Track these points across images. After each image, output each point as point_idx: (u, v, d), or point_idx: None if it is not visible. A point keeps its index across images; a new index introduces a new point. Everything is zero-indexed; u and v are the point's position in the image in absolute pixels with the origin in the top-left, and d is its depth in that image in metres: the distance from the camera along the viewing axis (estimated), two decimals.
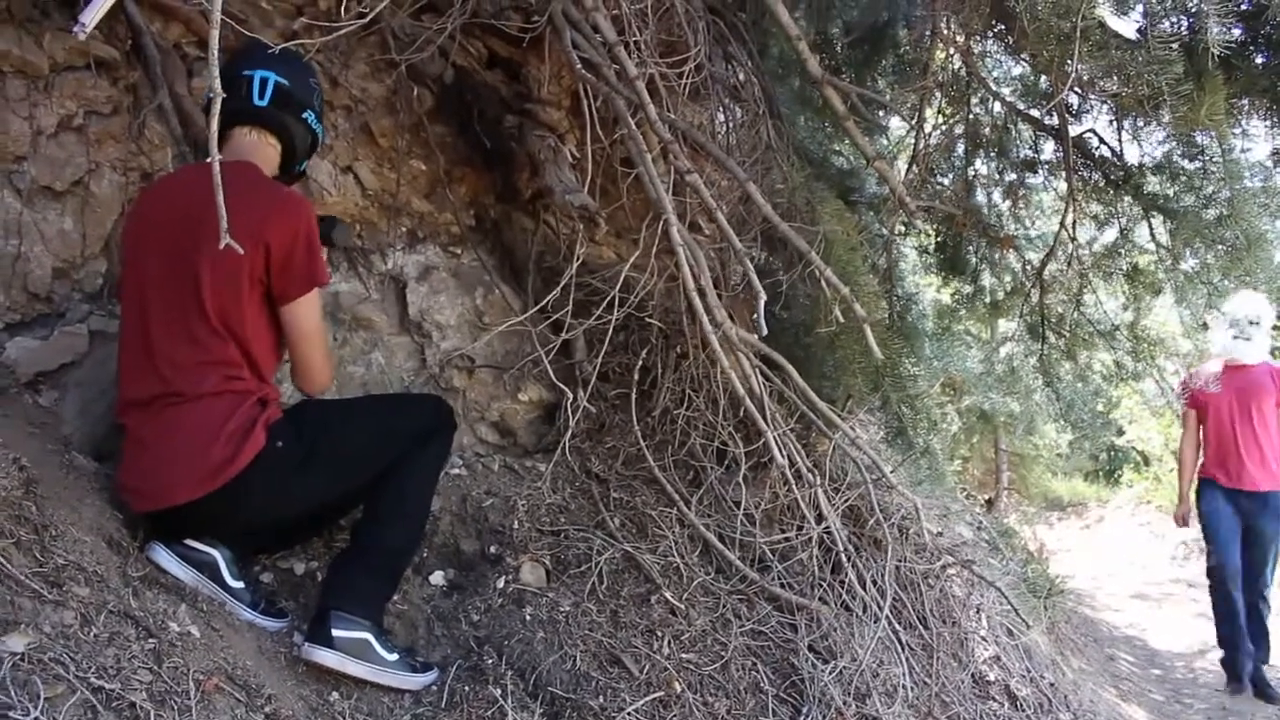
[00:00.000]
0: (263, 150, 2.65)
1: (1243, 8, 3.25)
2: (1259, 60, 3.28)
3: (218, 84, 1.74)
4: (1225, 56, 3.25)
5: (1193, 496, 6.17)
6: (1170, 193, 4.01)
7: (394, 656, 2.59)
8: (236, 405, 2.46)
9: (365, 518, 2.68)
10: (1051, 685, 5.22)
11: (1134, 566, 11.59)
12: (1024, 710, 4.63)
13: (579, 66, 3.29)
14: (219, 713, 2.12)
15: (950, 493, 7.94)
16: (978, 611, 4.99)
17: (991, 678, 4.64)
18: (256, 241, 2.42)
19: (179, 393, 2.42)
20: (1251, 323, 5.55)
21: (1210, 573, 5.99)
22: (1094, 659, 7.20)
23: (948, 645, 4.25)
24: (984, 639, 4.87)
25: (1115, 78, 3.56)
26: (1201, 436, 6.10)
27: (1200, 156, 3.86)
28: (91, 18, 1.38)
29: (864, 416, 5.63)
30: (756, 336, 3.39)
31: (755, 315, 3.00)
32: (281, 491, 2.51)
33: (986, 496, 9.81)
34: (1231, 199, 3.47)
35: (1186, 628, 8.62)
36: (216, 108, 1.74)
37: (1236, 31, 3.36)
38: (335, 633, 2.49)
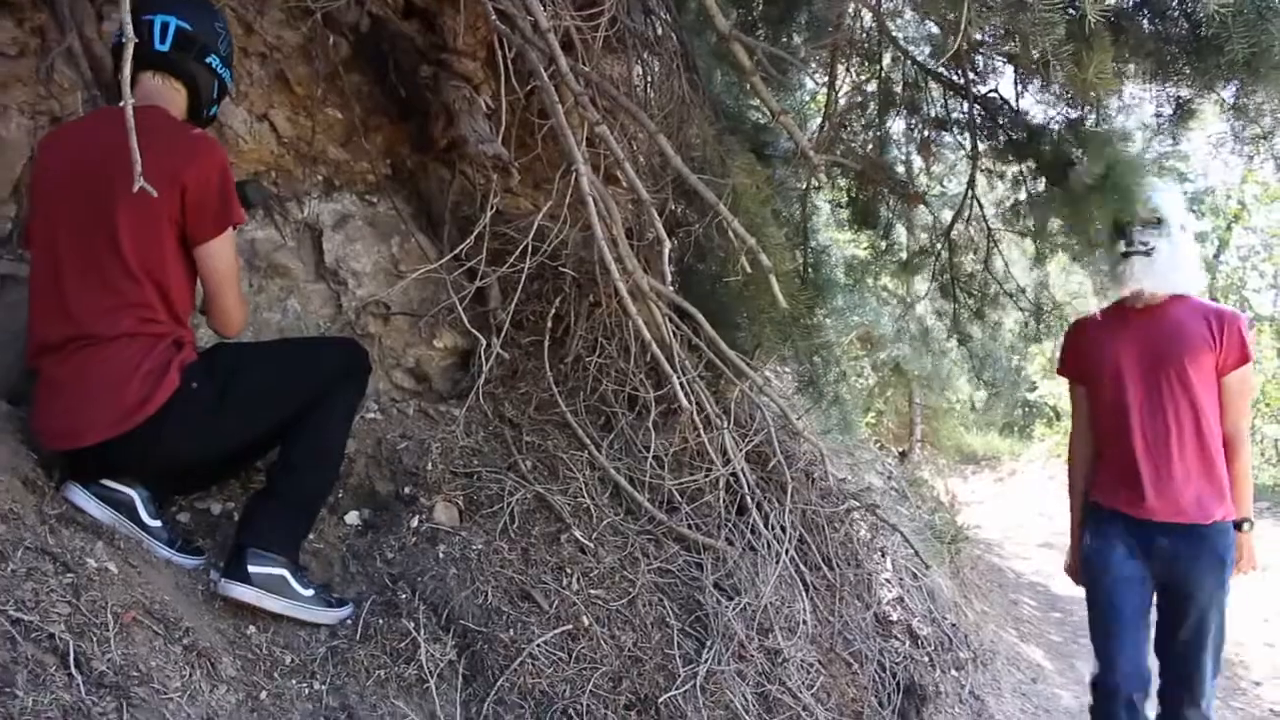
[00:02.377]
0: (168, 94, 2.67)
1: None
2: (1145, 25, 3.43)
3: (129, 29, 1.79)
4: (1114, 20, 3.41)
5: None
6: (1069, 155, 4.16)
7: (309, 592, 2.67)
8: (151, 347, 2.50)
9: (281, 458, 2.74)
10: (953, 625, 5.47)
11: (1043, 517, 11.97)
12: (925, 648, 4.85)
13: (493, 18, 3.33)
14: (137, 644, 2.19)
15: (863, 443, 8.18)
16: (883, 555, 5.21)
17: (895, 617, 4.84)
18: (172, 184, 2.45)
19: (93, 335, 2.46)
20: (1149, 224, 3.34)
21: (1092, 687, 3.51)
22: (998, 603, 7.51)
23: (852, 586, 4.44)
24: (888, 581, 5.08)
25: (1014, 39, 3.71)
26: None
27: (1089, 119, 4.02)
28: None
29: (776, 366, 5.80)
30: (666, 286, 3.49)
31: (665, 265, 3.09)
32: (196, 432, 2.56)
33: (900, 448, 10.08)
34: (1110, 163, 3.60)
35: None
36: (128, 54, 1.78)
37: None
38: (251, 569, 2.56)
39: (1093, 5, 2.47)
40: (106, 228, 2.47)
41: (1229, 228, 13.66)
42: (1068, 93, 3.84)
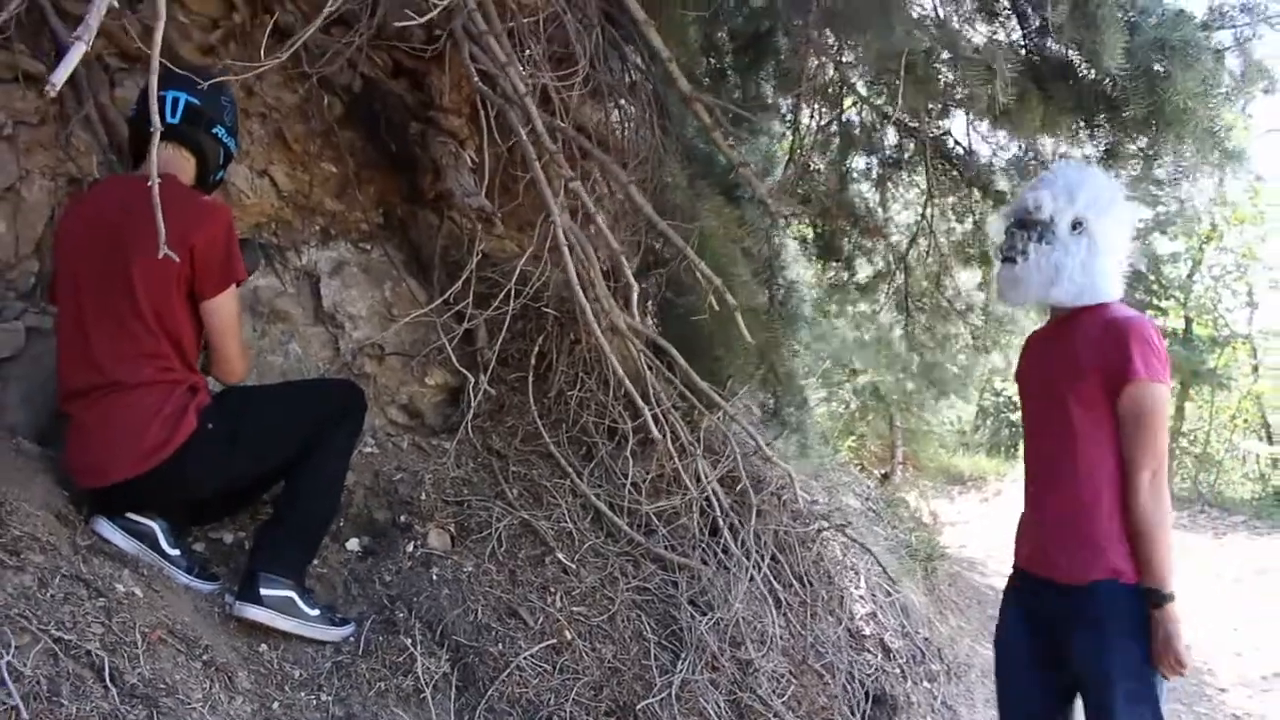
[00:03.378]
0: (179, 162, 2.95)
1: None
2: (1070, 82, 3.75)
3: (156, 120, 2.06)
4: (1042, 77, 3.77)
5: None
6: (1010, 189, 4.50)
7: (315, 612, 2.93)
8: (169, 393, 2.77)
9: (286, 490, 3.01)
10: (925, 639, 5.71)
11: None
12: (897, 660, 5.10)
13: (476, 79, 3.63)
14: (163, 660, 2.44)
15: (842, 466, 8.45)
16: (856, 573, 5.46)
17: (867, 632, 5.09)
18: (182, 246, 2.72)
19: (117, 382, 2.73)
20: (1024, 224, 2.75)
21: None
22: (975, 619, 7.73)
23: (824, 602, 4.69)
24: (861, 597, 5.32)
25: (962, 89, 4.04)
26: None
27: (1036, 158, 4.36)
28: (61, 76, 1.68)
29: (748, 396, 6.07)
30: (636, 322, 3.77)
31: (633, 305, 3.37)
32: (212, 468, 2.83)
33: (883, 471, 10.36)
34: None
35: None
36: (155, 141, 2.05)
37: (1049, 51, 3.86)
38: (263, 591, 2.82)
39: (1006, 76, 2.76)
40: (124, 284, 2.75)
41: (1201, 248, 13.96)
42: (1013, 137, 4.15)
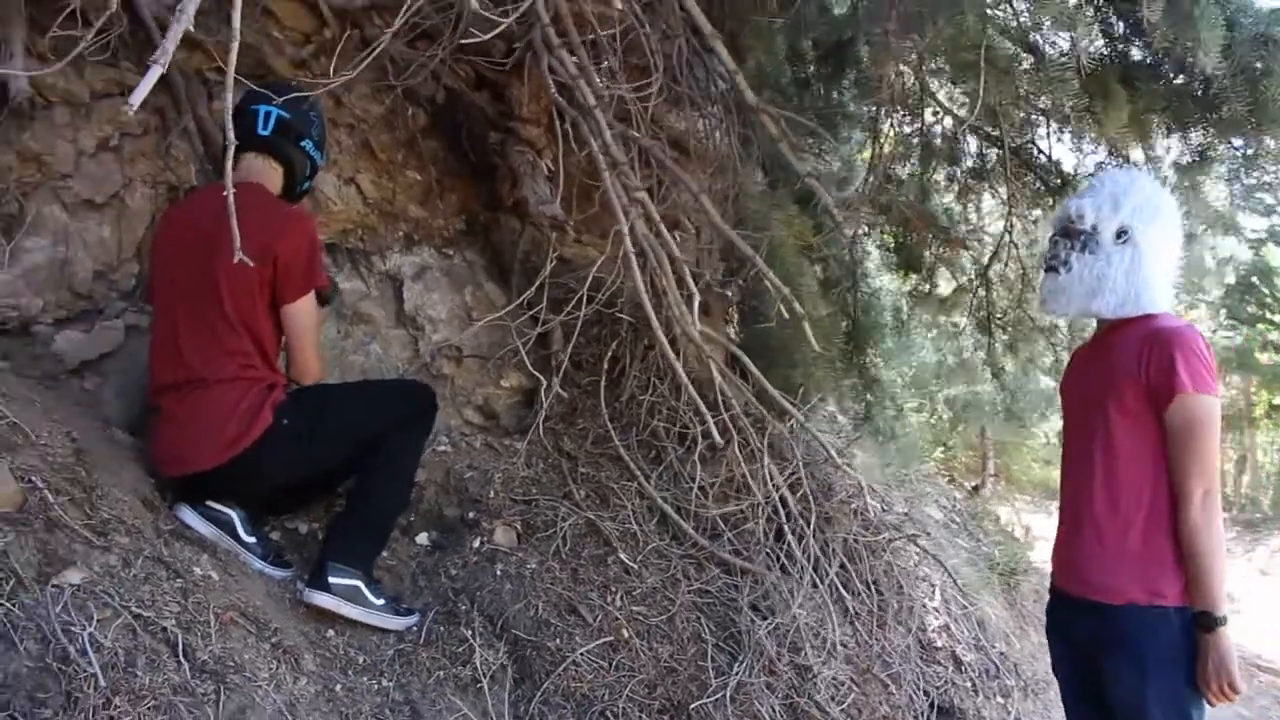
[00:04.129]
0: (268, 173, 3.12)
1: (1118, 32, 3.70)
2: (1158, 83, 3.71)
3: (231, 134, 2.20)
4: (1131, 76, 3.72)
5: None
6: None
7: (381, 601, 3.07)
8: (249, 389, 2.94)
9: (359, 484, 3.15)
10: (1001, 654, 5.64)
11: None
12: (968, 674, 5.06)
13: (552, 90, 3.73)
14: (233, 639, 2.59)
15: (929, 477, 8.37)
16: (931, 584, 5.43)
17: (939, 643, 5.06)
18: (266, 254, 2.88)
19: (203, 378, 2.90)
20: (1067, 233, 2.70)
21: None
22: None
23: (895, 612, 4.68)
24: (935, 609, 5.30)
25: (1047, 95, 4.02)
26: None
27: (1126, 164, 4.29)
28: (138, 97, 1.81)
29: (833, 404, 6.07)
30: (716, 330, 3.84)
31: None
32: (286, 461, 2.99)
33: (974, 483, 10.21)
34: None
35: None
36: (230, 154, 2.19)
37: (1137, 54, 3.81)
38: (331, 579, 2.96)
39: (1085, 63, 2.75)
40: (212, 288, 2.92)
41: None
42: (1096, 142, 4.10)
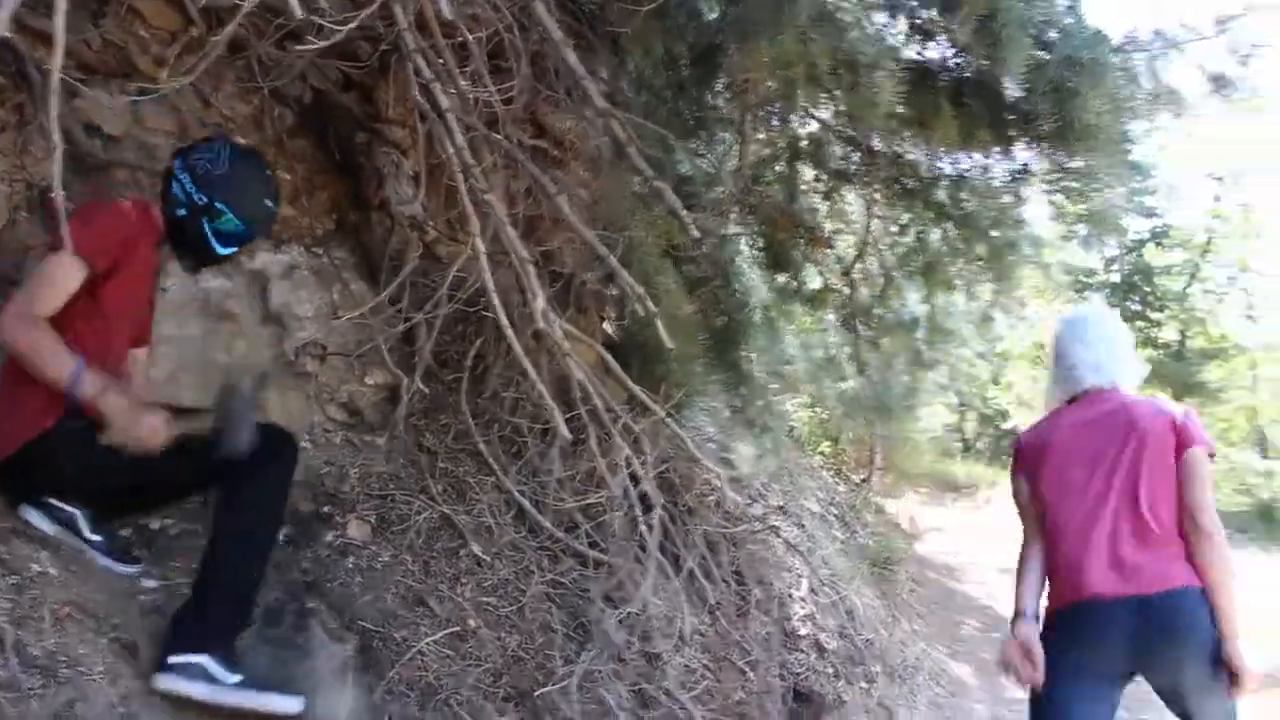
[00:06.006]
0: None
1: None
2: (984, 98, 3.91)
3: (58, 136, 2.25)
4: (960, 92, 3.92)
5: None
6: (948, 200, 4.66)
7: (236, 678, 2.80)
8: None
9: (209, 549, 2.90)
10: (867, 641, 5.85)
11: (1010, 542, 12.27)
12: (831, 660, 5.25)
13: (415, 92, 3.80)
14: (70, 634, 2.63)
15: (811, 470, 8.59)
16: (799, 575, 5.62)
17: (803, 632, 5.25)
18: None
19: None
20: None
21: None
22: (936, 623, 7.85)
23: (760, 602, 4.85)
24: (802, 598, 5.48)
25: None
26: None
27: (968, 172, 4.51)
28: None
29: (713, 400, 6.21)
30: (591, 330, 3.94)
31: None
32: (86, 458, 2.86)
33: (861, 476, 10.47)
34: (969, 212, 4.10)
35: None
36: (57, 154, 2.24)
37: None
38: (171, 659, 2.75)
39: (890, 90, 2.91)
40: None
41: (1198, 264, 14.04)
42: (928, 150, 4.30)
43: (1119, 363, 3.18)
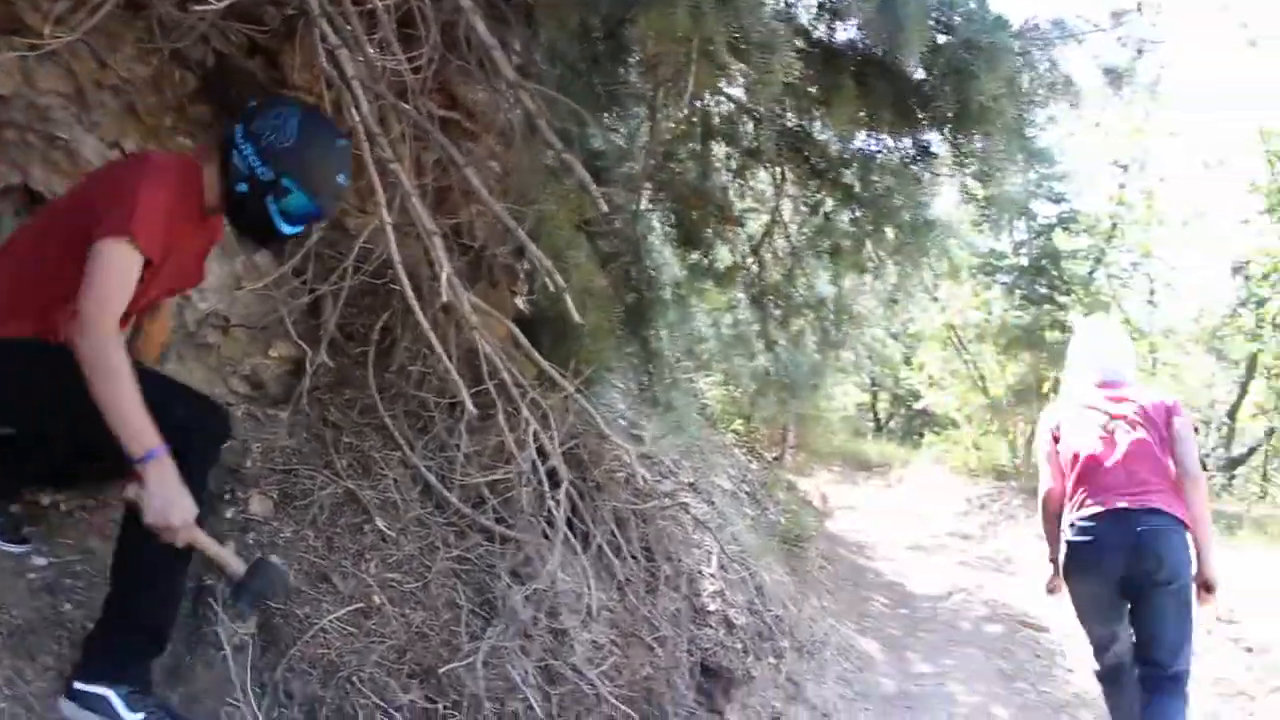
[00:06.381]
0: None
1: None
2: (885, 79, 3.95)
3: None
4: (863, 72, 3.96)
5: None
6: (856, 182, 4.71)
7: (139, 715, 2.63)
8: None
9: (115, 568, 2.75)
10: (776, 617, 5.92)
11: (920, 520, 12.51)
12: (740, 636, 5.30)
13: (321, 59, 3.72)
14: None
15: (723, 448, 8.65)
16: (708, 552, 5.65)
17: (712, 608, 5.28)
18: None
19: None
20: None
21: None
22: (844, 600, 7.98)
23: (669, 578, 4.87)
24: (711, 575, 5.52)
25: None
26: None
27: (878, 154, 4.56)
28: None
29: (622, 376, 6.22)
30: (502, 304, 3.90)
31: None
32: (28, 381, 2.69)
33: (774, 454, 10.58)
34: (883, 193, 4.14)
35: (945, 574, 9.45)
36: None
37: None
38: (77, 685, 2.64)
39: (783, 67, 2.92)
40: None
41: (1103, 249, 14.34)
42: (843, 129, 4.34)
43: (1129, 362, 4.63)
